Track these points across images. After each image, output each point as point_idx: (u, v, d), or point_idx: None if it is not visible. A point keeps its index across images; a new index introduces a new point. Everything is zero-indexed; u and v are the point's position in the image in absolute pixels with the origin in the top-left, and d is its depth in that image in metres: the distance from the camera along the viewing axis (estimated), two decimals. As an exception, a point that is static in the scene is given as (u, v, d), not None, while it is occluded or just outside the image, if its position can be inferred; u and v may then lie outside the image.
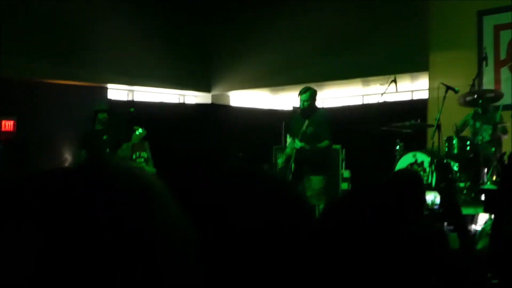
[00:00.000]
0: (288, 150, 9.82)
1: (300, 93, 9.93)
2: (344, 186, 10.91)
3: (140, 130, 10.19)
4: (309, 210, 1.30)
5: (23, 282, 0.81)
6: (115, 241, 0.85)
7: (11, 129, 12.47)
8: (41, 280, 0.81)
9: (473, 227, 7.97)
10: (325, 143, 9.73)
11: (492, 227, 5.80)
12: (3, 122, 12.38)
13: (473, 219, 8.18)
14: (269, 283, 1.19)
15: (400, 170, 8.27)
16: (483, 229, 7.08)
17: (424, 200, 5.03)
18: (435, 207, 8.01)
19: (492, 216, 6.61)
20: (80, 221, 0.85)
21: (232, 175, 1.27)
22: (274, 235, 1.18)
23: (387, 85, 10.28)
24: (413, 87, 13.61)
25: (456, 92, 9.49)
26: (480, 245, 6.57)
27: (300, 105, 9.97)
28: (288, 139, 10.56)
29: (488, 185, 8.34)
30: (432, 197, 8.01)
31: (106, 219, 0.86)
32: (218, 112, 15.40)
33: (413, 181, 4.27)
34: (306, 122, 9.56)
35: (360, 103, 14.64)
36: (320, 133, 9.63)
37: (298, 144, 9.57)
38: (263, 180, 1.29)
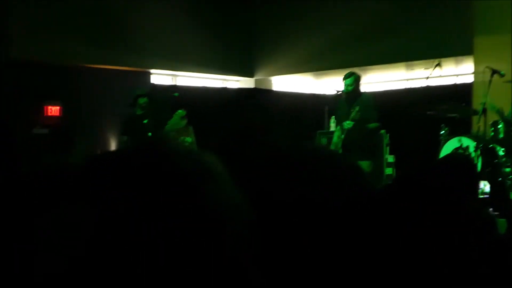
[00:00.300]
0: (335, 139, 9.80)
1: (345, 78, 9.91)
2: (389, 171, 10.83)
3: (179, 111, 10.08)
4: (368, 183, 1.28)
5: (74, 260, 0.83)
6: (180, 223, 0.86)
7: (57, 114, 12.58)
8: (92, 259, 0.82)
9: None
10: (373, 125, 9.74)
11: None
12: (49, 107, 12.49)
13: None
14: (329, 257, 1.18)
15: (451, 154, 8.18)
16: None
17: (478, 185, 4.98)
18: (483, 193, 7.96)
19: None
20: (141, 203, 0.85)
21: (284, 150, 1.25)
22: (333, 208, 1.16)
23: (432, 69, 10.21)
24: (457, 71, 13.46)
25: (502, 75, 9.38)
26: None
27: (344, 90, 9.94)
28: (332, 123, 10.56)
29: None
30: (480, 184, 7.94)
31: (169, 201, 0.86)
32: (261, 96, 15.37)
33: (465, 166, 4.23)
34: (357, 108, 9.53)
35: (404, 87, 14.51)
36: (368, 118, 9.62)
37: (348, 124, 9.54)
38: (319, 153, 1.28)
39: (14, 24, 11.66)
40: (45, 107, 12.43)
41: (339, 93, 10.31)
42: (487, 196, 8.39)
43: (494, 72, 9.35)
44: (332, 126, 10.67)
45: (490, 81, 9.16)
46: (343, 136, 9.59)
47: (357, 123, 9.54)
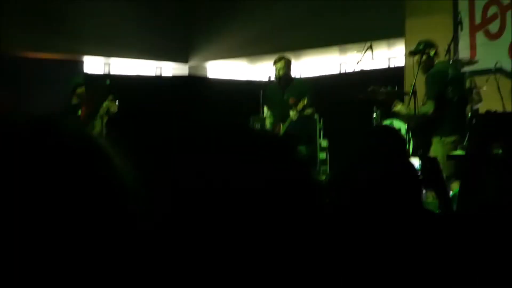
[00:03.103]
0: (269, 126, 9.77)
1: (275, 63, 9.85)
2: (322, 156, 10.83)
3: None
4: (306, 164, 1.20)
5: None
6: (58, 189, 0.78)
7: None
8: None
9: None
10: (309, 110, 9.69)
11: (459, 194, 5.74)
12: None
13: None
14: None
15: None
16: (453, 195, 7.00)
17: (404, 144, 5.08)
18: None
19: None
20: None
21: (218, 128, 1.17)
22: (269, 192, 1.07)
23: (363, 52, 10.22)
24: (390, 54, 13.51)
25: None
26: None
27: (275, 75, 9.89)
28: (266, 110, 10.48)
29: (458, 151, 8.25)
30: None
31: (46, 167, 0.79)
32: (196, 84, 15.28)
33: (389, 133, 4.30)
34: (305, 100, 9.47)
35: (338, 71, 14.54)
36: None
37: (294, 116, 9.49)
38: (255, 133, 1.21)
39: None
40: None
41: (271, 79, 10.27)
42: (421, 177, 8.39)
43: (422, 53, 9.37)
44: (266, 112, 10.57)
45: (419, 63, 9.13)
46: (286, 124, 9.56)
47: (290, 109, 9.51)
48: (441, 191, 4.41)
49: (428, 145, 8.68)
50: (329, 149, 10.99)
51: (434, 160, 8.28)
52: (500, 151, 5.72)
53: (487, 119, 7.39)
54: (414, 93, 9.05)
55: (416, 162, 8.40)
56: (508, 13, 10.60)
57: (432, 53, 8.86)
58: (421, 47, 8.91)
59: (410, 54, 9.15)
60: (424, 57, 8.83)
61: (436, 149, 8.46)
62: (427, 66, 8.80)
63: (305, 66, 14.37)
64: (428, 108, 8.58)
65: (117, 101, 10.11)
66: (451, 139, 8.44)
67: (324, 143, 10.99)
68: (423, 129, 8.89)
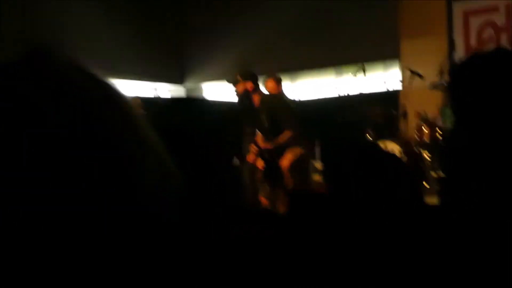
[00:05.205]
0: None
1: (264, 82, 9.86)
2: (317, 178, 10.74)
3: None
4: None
5: None
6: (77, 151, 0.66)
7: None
8: None
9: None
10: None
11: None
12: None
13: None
14: None
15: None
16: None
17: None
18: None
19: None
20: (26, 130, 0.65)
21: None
22: None
23: (356, 73, 10.19)
24: (386, 77, 13.46)
25: (420, 77, 9.41)
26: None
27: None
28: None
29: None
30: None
31: (61, 124, 0.67)
32: (192, 106, 15.23)
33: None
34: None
35: (334, 94, 14.48)
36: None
37: None
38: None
39: None
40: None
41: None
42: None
43: (413, 73, 9.35)
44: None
45: (410, 84, 9.10)
46: None
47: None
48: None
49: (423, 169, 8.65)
50: (323, 172, 10.89)
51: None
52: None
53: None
54: (404, 113, 9.03)
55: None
56: (503, 35, 10.56)
57: None
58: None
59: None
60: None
61: None
62: None
63: (301, 88, 14.32)
64: None
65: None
66: None
67: (318, 165, 10.90)
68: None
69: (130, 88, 15.19)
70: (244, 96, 9.03)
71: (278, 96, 9.57)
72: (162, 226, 0.70)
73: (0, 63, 0.72)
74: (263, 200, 8.74)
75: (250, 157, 8.84)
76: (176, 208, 0.74)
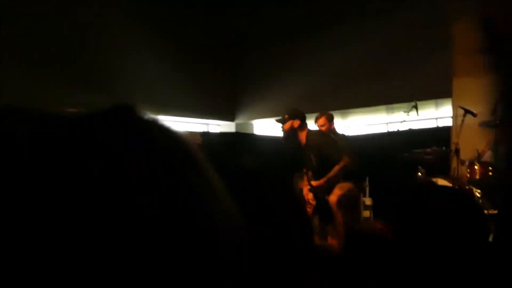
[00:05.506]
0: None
1: (316, 120, 9.90)
2: (366, 214, 10.70)
3: None
4: None
5: None
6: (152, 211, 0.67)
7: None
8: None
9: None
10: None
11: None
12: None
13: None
14: None
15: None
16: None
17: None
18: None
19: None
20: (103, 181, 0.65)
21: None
22: None
23: (408, 111, 10.16)
24: (437, 114, 13.42)
25: (474, 115, 9.33)
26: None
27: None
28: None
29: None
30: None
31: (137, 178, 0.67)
32: (242, 140, 15.31)
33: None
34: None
35: (385, 130, 14.47)
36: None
37: None
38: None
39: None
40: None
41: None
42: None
43: (466, 111, 9.29)
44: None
45: (462, 121, 9.06)
46: None
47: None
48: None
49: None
50: (373, 208, 10.86)
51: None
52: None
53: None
54: (457, 151, 8.97)
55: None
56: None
57: None
58: None
59: None
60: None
61: None
62: None
63: (352, 124, 14.33)
64: None
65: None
66: None
67: (368, 201, 10.87)
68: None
69: (182, 124, 15.36)
70: (290, 133, 9.10)
71: (324, 133, 9.60)
72: (226, 267, 0.71)
73: (90, 113, 0.73)
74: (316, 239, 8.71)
75: (303, 194, 8.87)
76: (241, 251, 0.75)
